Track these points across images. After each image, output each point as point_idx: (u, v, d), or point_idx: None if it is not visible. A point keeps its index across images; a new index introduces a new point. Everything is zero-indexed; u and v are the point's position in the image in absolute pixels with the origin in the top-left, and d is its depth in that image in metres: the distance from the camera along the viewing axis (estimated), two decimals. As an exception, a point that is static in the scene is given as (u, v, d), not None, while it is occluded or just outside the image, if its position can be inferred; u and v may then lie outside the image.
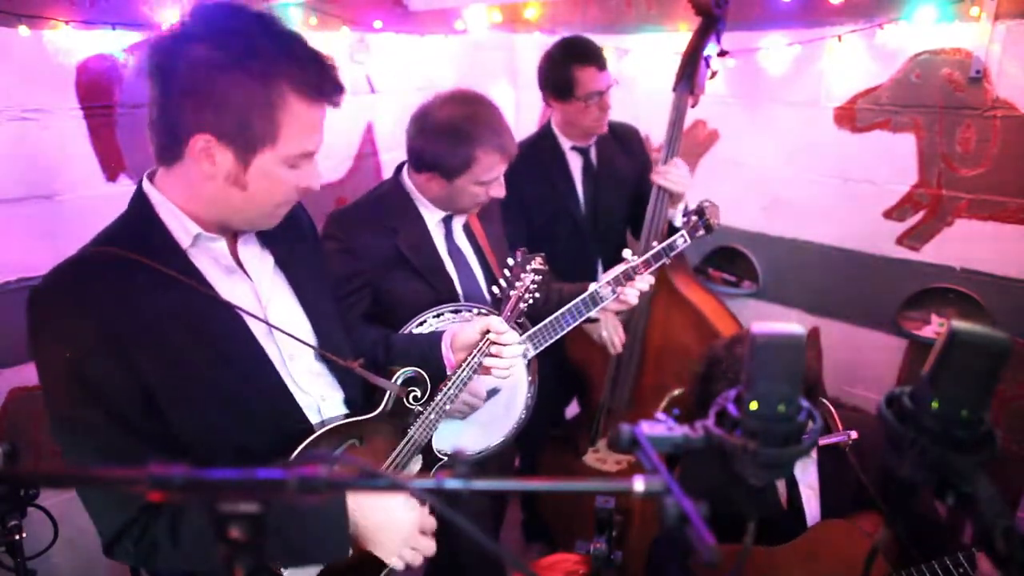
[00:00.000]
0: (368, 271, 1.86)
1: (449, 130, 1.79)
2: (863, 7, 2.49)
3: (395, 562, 1.30)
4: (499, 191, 1.91)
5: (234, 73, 1.07)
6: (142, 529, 1.14)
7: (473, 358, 1.58)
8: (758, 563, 1.75)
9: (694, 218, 2.06)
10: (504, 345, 1.60)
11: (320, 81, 1.13)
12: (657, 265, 1.97)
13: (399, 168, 2.01)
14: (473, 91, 1.90)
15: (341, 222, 1.92)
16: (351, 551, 1.26)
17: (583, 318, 1.92)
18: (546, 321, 1.91)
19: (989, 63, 2.26)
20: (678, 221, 2.41)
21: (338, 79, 1.15)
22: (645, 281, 1.95)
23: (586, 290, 1.92)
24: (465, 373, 1.57)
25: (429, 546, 1.32)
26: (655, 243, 2.00)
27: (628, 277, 1.94)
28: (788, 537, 1.76)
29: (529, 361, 1.92)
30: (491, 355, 1.60)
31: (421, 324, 1.84)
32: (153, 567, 1.23)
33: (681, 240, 2.00)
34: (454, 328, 1.68)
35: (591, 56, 2.45)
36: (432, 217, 1.95)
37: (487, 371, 1.62)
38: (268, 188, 1.16)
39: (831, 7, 2.50)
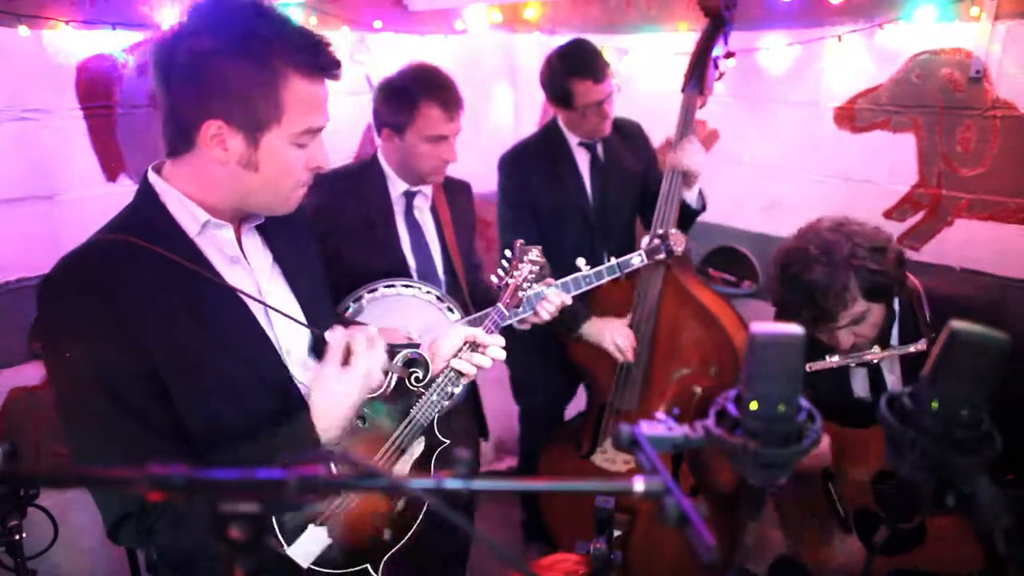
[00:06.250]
0: (329, 234, 1.95)
1: (395, 87, 2.11)
2: (863, 7, 2.48)
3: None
4: (450, 153, 2.10)
5: (234, 57, 1.11)
6: (142, 519, 1.16)
7: (451, 370, 1.55)
8: (846, 437, 1.85)
9: (656, 241, 2.17)
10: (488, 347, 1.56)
11: (317, 57, 1.17)
12: (609, 278, 2.05)
13: None
14: (428, 63, 2.16)
15: (317, 183, 2.01)
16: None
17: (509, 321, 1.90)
18: (478, 314, 1.98)
19: (989, 63, 2.26)
20: (691, 200, 2.46)
21: (333, 54, 1.20)
22: (558, 297, 1.95)
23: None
24: (449, 376, 1.55)
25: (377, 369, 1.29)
26: (612, 259, 2.08)
27: (578, 285, 2.02)
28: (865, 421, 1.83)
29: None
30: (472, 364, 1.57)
31: (372, 291, 2.02)
32: (152, 550, 1.24)
33: (638, 259, 2.11)
34: (434, 336, 1.63)
35: (588, 69, 2.43)
36: (395, 190, 2.17)
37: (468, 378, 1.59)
38: (279, 168, 1.20)
39: (831, 7, 2.50)
